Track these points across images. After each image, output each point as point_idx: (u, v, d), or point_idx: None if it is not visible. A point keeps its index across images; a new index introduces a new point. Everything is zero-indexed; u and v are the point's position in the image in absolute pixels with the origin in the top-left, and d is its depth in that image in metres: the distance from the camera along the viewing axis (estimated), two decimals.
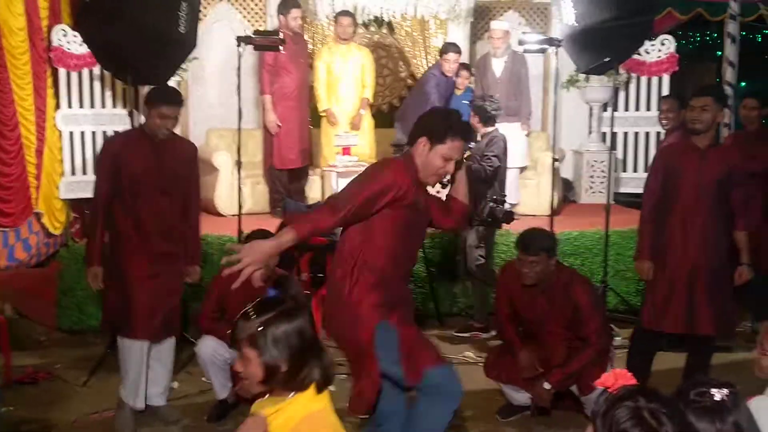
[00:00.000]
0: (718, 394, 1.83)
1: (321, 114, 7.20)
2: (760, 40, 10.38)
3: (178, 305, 4.41)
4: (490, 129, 5.59)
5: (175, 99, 4.18)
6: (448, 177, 3.29)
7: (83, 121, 7.06)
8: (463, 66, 7.23)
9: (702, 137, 4.18)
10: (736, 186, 4.23)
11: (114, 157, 4.16)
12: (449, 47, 7.10)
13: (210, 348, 4.33)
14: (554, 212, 7.03)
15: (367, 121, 7.26)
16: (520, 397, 4.31)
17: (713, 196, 4.19)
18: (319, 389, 2.17)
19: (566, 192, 8.14)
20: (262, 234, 4.39)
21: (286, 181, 7.02)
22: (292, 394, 2.15)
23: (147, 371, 4.26)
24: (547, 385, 4.07)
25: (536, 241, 4.14)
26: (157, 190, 4.17)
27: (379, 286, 3.16)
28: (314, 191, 7.32)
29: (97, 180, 4.22)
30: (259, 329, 2.12)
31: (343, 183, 6.44)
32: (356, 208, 3.05)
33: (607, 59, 5.56)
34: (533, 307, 4.23)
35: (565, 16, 5.45)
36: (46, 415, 4.45)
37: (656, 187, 4.36)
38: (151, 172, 4.14)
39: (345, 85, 7.19)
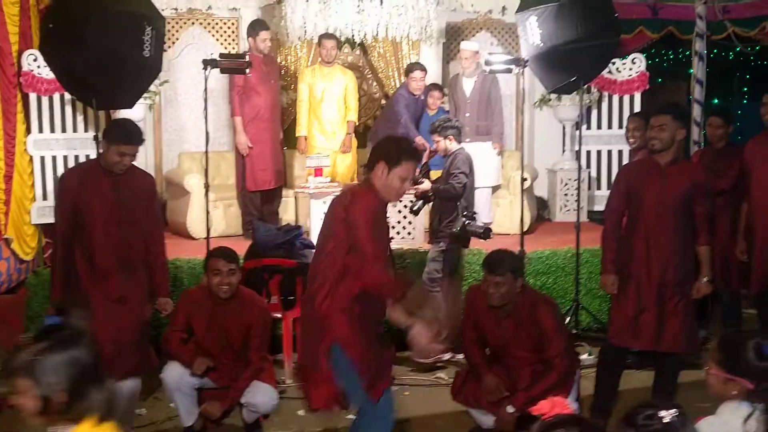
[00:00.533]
0: (666, 416, 1.84)
1: (297, 137, 7.24)
2: (731, 57, 10.49)
3: (141, 341, 4.33)
4: (454, 147, 5.58)
5: (136, 138, 4.17)
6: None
7: (54, 145, 7.03)
8: (435, 86, 7.28)
9: (663, 155, 4.21)
10: (699, 202, 4.26)
11: (71, 192, 4.15)
12: (414, 66, 7.16)
13: (176, 374, 4.28)
14: (528, 231, 7.08)
15: (346, 139, 7.30)
16: (488, 420, 4.28)
17: (676, 213, 4.21)
18: (102, 420, 2.07)
19: (541, 210, 8.16)
20: (221, 252, 4.37)
21: (258, 203, 6.99)
22: (71, 426, 2.05)
23: None
24: (510, 408, 4.04)
25: (502, 261, 4.12)
26: (116, 225, 4.15)
27: (355, 301, 3.46)
28: (288, 213, 7.32)
29: (56, 215, 4.23)
30: (33, 359, 2.01)
31: (315, 204, 6.45)
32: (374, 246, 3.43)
33: (573, 79, 5.59)
34: (499, 330, 4.19)
35: (531, 37, 5.49)
36: None
37: (618, 205, 4.41)
38: (109, 207, 4.13)
39: (327, 107, 7.22)
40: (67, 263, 4.16)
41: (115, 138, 4.09)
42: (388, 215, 3.86)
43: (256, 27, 6.93)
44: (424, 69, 7.12)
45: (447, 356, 5.45)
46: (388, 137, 4.10)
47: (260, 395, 4.29)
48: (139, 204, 4.24)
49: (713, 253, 5.03)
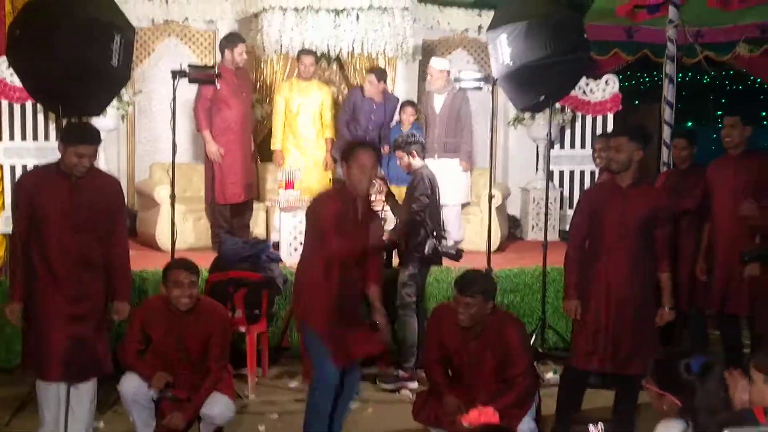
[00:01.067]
0: (594, 430, 1.86)
1: (272, 151, 7.23)
2: (706, 81, 10.63)
3: (100, 345, 4.25)
4: (417, 164, 5.53)
5: (93, 138, 4.09)
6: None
7: (26, 154, 7.00)
8: (408, 103, 7.32)
9: (623, 176, 4.24)
10: (659, 226, 4.28)
11: (28, 194, 4.10)
12: (372, 70, 7.27)
13: (132, 386, 4.22)
14: (498, 249, 7.10)
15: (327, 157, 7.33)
16: None
17: (636, 235, 4.22)
18: None
19: (513, 229, 8.19)
20: (182, 264, 4.33)
21: (228, 216, 6.94)
22: None
23: (67, 413, 4.12)
24: (466, 423, 4.01)
25: (474, 283, 4.05)
26: (71, 229, 4.08)
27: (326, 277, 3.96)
28: (259, 226, 7.30)
29: (14, 217, 4.16)
30: None
31: (285, 217, 6.43)
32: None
33: (542, 98, 5.63)
34: (465, 351, 4.10)
35: (501, 55, 5.53)
36: None
37: (580, 227, 4.41)
38: (66, 212, 4.06)
39: (303, 121, 7.25)
40: (26, 265, 4.10)
41: (72, 138, 4.04)
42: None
43: (234, 39, 6.93)
44: (382, 77, 7.18)
45: (413, 385, 5.41)
46: (347, 142, 4.48)
47: (217, 407, 4.23)
48: (100, 208, 4.16)
49: (678, 275, 5.08)
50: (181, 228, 6.21)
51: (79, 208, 4.08)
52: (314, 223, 4.04)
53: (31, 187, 4.13)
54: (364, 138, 6.86)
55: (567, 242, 4.74)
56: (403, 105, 7.30)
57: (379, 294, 4.23)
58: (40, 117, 7.11)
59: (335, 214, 3.96)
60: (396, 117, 7.38)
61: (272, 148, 7.31)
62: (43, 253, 4.08)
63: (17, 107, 7.01)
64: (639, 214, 4.22)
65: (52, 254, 4.07)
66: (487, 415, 1.86)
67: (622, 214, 4.22)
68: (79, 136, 4.06)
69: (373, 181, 4.26)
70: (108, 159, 7.50)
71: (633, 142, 4.18)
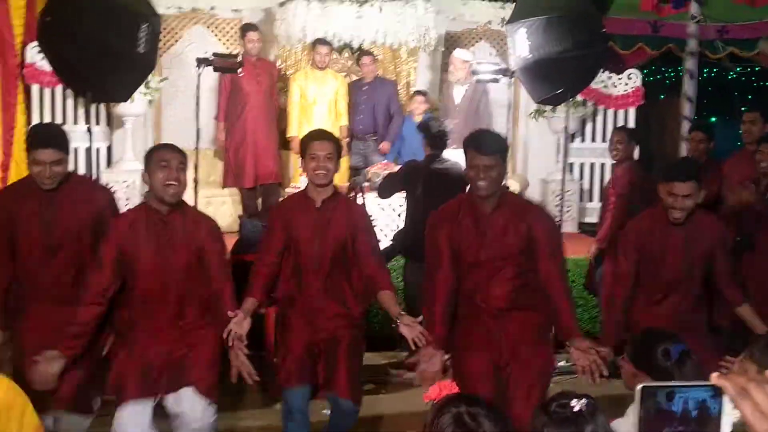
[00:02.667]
0: (576, 404, 1.93)
1: (288, 138, 7.34)
2: (732, 76, 10.57)
3: (75, 377, 3.57)
4: (438, 155, 5.54)
5: (57, 141, 3.55)
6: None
7: None
8: (418, 92, 7.42)
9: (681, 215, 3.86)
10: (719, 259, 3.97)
11: (4, 210, 3.63)
12: (365, 52, 7.51)
13: (131, 424, 3.47)
14: None
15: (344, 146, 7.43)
16: None
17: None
18: None
19: None
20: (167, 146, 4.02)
21: (252, 200, 7.17)
22: None
23: None
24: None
25: (491, 140, 3.52)
26: (44, 249, 3.61)
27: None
28: None
29: None
30: None
31: None
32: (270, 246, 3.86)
33: (560, 90, 5.69)
34: (478, 234, 3.46)
35: (520, 48, 5.59)
36: None
37: (630, 275, 3.95)
38: (34, 228, 3.58)
39: (318, 110, 7.34)
40: (7, 284, 3.68)
41: (30, 143, 3.57)
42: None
43: (244, 28, 7.21)
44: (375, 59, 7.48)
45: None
46: None
47: (187, 403, 3.50)
48: (77, 225, 3.63)
49: None
50: (204, 212, 6.34)
51: (49, 225, 3.57)
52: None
53: (7, 201, 3.68)
54: (357, 125, 7.21)
55: (589, 234, 4.65)
56: (412, 95, 7.39)
57: (393, 298, 3.75)
58: (69, 102, 7.28)
59: (278, 226, 3.82)
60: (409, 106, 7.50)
61: (288, 135, 7.41)
62: (22, 277, 3.64)
63: (47, 91, 7.19)
64: (701, 249, 3.89)
65: (27, 276, 3.62)
66: (448, 387, 1.93)
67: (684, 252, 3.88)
68: (41, 140, 3.55)
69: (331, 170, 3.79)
70: (135, 144, 7.66)
71: (699, 185, 3.81)
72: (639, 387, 1.14)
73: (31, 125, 3.98)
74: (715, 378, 1.08)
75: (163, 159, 3.48)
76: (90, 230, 3.64)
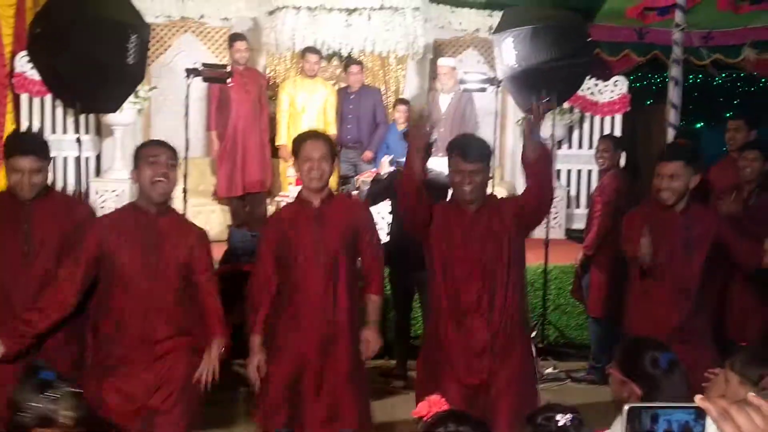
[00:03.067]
0: (561, 419, 1.97)
1: (277, 147, 7.38)
2: (717, 82, 10.67)
3: None
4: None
5: (34, 149, 3.36)
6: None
7: None
8: (401, 101, 7.48)
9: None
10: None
11: None
12: (353, 61, 7.55)
13: None
14: None
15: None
16: None
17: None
18: None
19: None
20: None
21: (240, 209, 7.19)
22: None
23: None
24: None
25: (475, 147, 3.53)
26: (19, 264, 3.39)
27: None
28: None
29: None
30: None
31: None
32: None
33: (546, 99, 5.73)
34: (470, 238, 3.49)
35: (507, 58, 5.64)
36: None
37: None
38: (12, 242, 3.38)
39: (307, 119, 7.38)
40: None
41: (7, 150, 3.39)
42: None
43: (232, 38, 7.26)
44: (359, 65, 7.54)
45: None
46: None
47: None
48: (54, 238, 3.41)
49: None
50: (193, 221, 6.36)
51: (27, 237, 3.37)
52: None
53: None
54: (345, 135, 7.27)
55: (576, 241, 4.70)
56: (395, 103, 7.45)
57: (377, 305, 3.68)
58: (59, 111, 7.30)
59: (273, 239, 3.60)
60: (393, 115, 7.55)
61: (277, 143, 7.44)
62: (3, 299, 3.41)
63: (36, 100, 7.21)
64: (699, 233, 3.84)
65: (10, 292, 3.40)
66: (438, 404, 1.95)
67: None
68: (21, 147, 3.37)
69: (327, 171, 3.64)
70: (124, 153, 7.67)
71: (690, 168, 3.78)
72: (626, 408, 1.18)
73: (8, 136, 3.84)
74: (698, 400, 1.12)
75: (152, 154, 3.31)
76: (67, 245, 3.41)
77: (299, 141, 3.63)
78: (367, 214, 3.86)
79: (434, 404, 1.94)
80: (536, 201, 3.53)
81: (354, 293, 3.63)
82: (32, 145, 3.45)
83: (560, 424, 1.98)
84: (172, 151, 3.39)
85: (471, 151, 3.48)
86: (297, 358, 3.54)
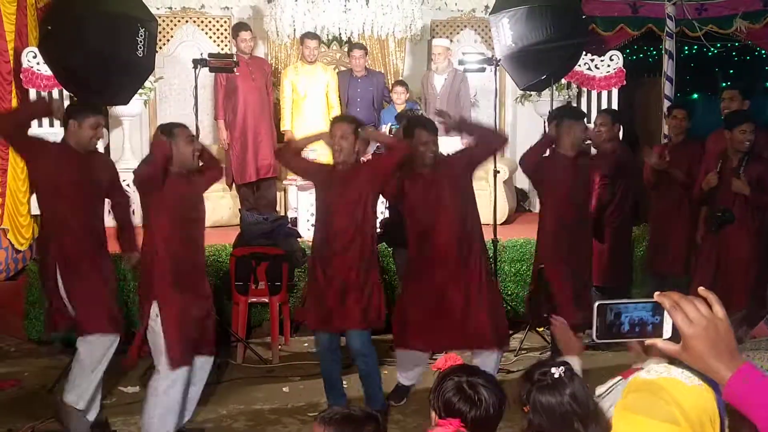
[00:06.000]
0: (556, 371, 2.17)
1: (282, 132, 7.53)
2: (713, 53, 10.78)
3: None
4: None
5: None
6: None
7: (53, 139, 7.29)
8: (398, 82, 7.61)
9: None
10: None
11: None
12: (356, 45, 7.65)
13: None
14: (506, 221, 7.41)
15: None
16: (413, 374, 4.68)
17: None
18: None
19: (522, 201, 8.48)
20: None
21: (250, 194, 7.36)
22: None
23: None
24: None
25: (432, 122, 4.69)
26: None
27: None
28: (278, 204, 7.64)
29: None
30: None
31: (302, 196, 6.77)
32: None
33: (544, 77, 5.90)
34: (429, 186, 4.57)
35: (504, 38, 5.79)
36: (10, 418, 4.71)
37: None
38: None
39: (310, 104, 7.53)
40: None
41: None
42: None
43: (236, 28, 7.38)
44: (361, 48, 7.65)
45: None
46: None
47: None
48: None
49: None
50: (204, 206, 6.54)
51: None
52: None
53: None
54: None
55: None
56: (393, 85, 7.59)
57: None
58: (66, 104, 7.42)
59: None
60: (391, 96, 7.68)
61: (282, 129, 7.60)
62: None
63: (44, 95, 7.34)
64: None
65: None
66: (453, 359, 2.19)
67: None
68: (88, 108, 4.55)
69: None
70: (132, 144, 7.84)
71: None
72: (595, 304, 1.38)
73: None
74: (656, 296, 1.35)
75: (190, 134, 4.31)
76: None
77: (331, 123, 4.79)
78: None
79: (450, 359, 2.15)
80: (485, 151, 4.75)
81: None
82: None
83: (556, 376, 2.17)
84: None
85: (431, 125, 4.63)
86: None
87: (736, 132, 5.07)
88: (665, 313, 1.34)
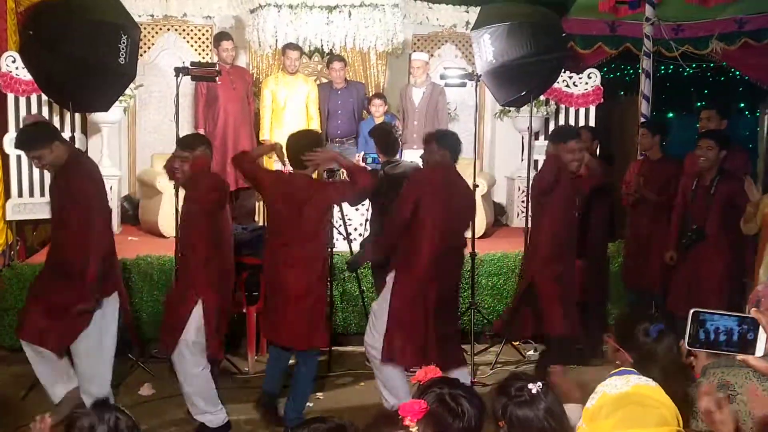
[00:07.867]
0: (533, 387, 2.20)
1: (261, 142, 7.54)
2: (689, 72, 10.96)
3: None
4: (393, 160, 5.61)
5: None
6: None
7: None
8: (376, 95, 7.66)
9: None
10: None
11: None
12: (335, 57, 7.69)
13: None
14: (484, 235, 7.47)
15: None
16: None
17: None
18: None
19: (499, 216, 8.54)
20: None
21: (232, 202, 7.34)
22: None
23: None
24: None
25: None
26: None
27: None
28: (259, 214, 7.64)
29: None
30: None
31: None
32: None
33: (523, 93, 5.97)
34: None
35: (485, 53, 5.86)
36: None
37: None
38: None
39: (290, 114, 7.56)
40: None
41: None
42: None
43: (217, 38, 7.43)
44: (341, 60, 7.69)
45: None
46: None
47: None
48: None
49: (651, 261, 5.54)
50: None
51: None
52: None
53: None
54: (335, 129, 7.55)
55: None
56: (371, 98, 7.64)
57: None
58: (45, 109, 7.38)
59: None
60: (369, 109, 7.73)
61: (260, 138, 7.61)
62: None
63: (23, 100, 7.28)
64: None
65: None
66: (433, 371, 2.22)
67: None
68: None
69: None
70: (111, 150, 7.80)
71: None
72: (692, 311, 1.39)
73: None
74: (753, 312, 1.38)
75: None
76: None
77: None
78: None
79: (430, 372, 2.17)
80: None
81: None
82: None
83: (533, 392, 2.20)
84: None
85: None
86: None
87: (696, 150, 5.23)
88: (761, 329, 1.33)
